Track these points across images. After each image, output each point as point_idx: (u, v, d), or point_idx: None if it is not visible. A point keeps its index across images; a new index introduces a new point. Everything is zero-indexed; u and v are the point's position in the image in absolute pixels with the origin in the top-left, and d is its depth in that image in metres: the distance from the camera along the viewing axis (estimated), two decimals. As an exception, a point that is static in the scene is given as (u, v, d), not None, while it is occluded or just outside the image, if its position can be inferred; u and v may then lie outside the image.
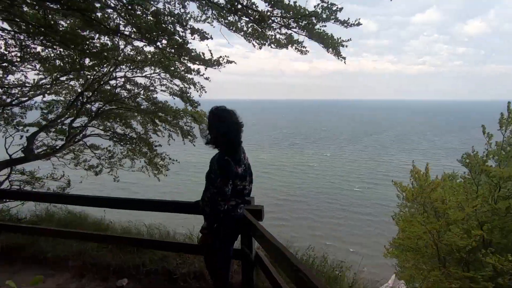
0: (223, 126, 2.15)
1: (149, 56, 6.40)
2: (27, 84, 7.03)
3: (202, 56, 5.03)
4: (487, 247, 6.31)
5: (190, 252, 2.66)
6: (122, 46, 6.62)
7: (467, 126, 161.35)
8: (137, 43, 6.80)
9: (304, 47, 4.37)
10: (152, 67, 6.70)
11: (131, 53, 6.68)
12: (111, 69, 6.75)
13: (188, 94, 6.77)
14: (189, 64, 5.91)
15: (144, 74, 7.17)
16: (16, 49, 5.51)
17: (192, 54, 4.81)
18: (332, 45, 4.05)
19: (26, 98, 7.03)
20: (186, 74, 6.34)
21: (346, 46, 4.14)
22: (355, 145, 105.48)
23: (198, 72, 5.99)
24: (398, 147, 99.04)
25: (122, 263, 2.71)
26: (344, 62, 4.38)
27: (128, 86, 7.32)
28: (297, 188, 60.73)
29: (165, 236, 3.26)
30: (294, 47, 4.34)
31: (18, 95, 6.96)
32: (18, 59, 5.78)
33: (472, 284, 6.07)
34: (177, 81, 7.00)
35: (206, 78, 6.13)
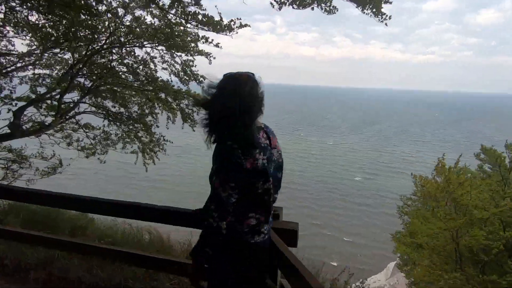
0: (225, 99, 1.38)
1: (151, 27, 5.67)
2: (14, 53, 6.45)
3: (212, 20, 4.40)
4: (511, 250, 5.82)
5: (180, 273, 1.99)
6: (120, 14, 5.94)
7: (471, 119, 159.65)
8: (139, 13, 6.11)
9: (334, 6, 3.66)
10: (153, 42, 5.99)
11: (132, 24, 5.98)
12: (107, 41, 6.07)
13: (193, 67, 6.07)
14: (196, 31, 5.24)
15: (144, 49, 6.47)
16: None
17: (199, 16, 4.13)
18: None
19: (14, 68, 6.48)
20: (191, 44, 5.64)
21: (390, 3, 3.41)
22: (357, 134, 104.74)
23: (206, 39, 5.25)
24: (401, 138, 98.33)
25: (98, 279, 2.15)
26: (386, 24, 3.61)
27: (126, 61, 6.63)
28: (298, 175, 60.56)
29: (157, 243, 2.66)
30: (320, 7, 3.63)
31: (6, 65, 6.39)
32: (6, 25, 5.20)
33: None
34: (178, 59, 6.33)
35: (217, 45, 5.34)
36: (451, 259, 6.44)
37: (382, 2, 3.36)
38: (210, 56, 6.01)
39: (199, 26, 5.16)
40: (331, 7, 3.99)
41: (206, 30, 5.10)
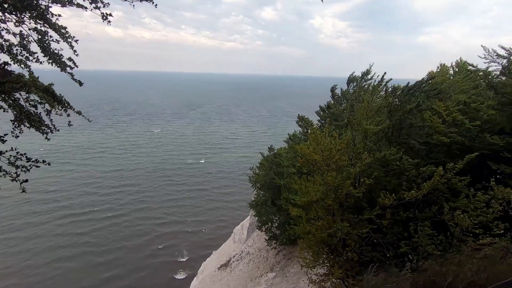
0: None
1: None
2: None
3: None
4: (375, 191, 7.15)
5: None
6: None
7: (270, 97, 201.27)
8: None
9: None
10: None
11: None
12: None
13: (48, 41, 3.33)
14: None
15: None
16: None
17: None
18: None
19: None
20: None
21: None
22: (182, 118, 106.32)
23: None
24: (221, 118, 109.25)
25: None
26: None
27: None
28: (129, 172, 54.12)
29: None
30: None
31: None
32: None
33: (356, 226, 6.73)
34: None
35: (105, 17, 3.31)
36: (330, 211, 7.19)
37: None
38: (73, 39, 3.43)
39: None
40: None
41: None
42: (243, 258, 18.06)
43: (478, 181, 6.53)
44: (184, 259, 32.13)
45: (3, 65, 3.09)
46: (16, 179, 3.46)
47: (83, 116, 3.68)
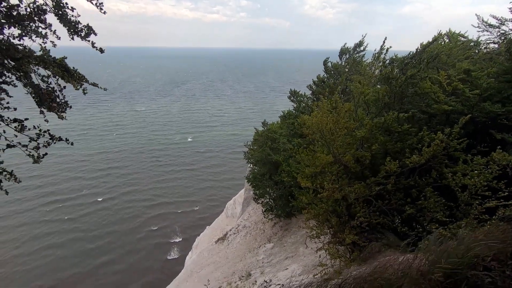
0: None
1: None
2: None
3: None
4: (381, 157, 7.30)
5: None
6: None
7: (257, 71, 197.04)
8: None
9: None
10: None
11: None
12: None
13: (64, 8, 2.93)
14: None
15: None
16: None
17: None
18: None
19: None
20: None
21: None
22: (167, 96, 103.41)
23: None
24: (207, 95, 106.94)
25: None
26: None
27: None
28: (115, 153, 52.93)
29: None
30: None
31: None
32: None
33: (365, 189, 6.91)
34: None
35: None
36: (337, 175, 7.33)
37: None
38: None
39: None
40: None
41: None
42: (239, 231, 18.47)
43: (475, 148, 6.75)
44: (178, 239, 32.40)
45: (10, 38, 2.75)
46: (36, 153, 3.26)
47: (100, 87, 3.41)
